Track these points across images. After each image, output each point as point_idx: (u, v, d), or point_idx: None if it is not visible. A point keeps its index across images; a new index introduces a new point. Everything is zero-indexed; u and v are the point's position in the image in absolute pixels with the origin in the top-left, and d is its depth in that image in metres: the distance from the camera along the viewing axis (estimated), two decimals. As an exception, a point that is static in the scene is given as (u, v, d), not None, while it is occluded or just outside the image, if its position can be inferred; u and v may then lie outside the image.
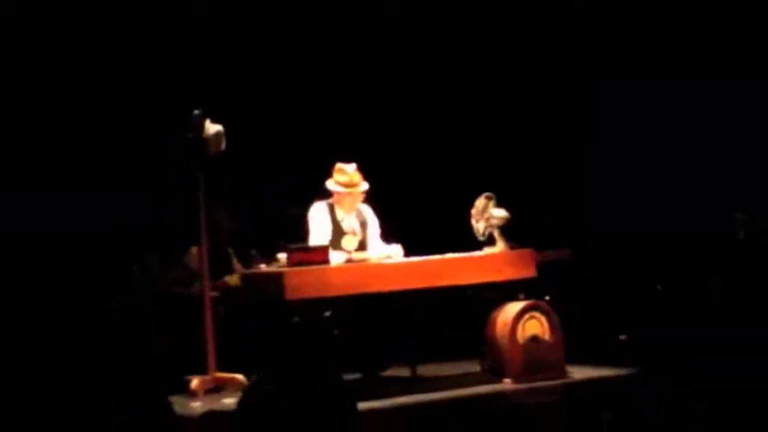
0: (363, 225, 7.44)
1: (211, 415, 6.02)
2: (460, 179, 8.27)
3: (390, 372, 7.47)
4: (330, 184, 7.34)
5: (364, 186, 7.36)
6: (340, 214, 7.37)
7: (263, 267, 7.12)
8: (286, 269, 6.81)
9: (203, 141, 7.29)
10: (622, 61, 8.55)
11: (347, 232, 7.30)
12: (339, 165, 7.35)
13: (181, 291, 7.66)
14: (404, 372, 7.41)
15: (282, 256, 7.02)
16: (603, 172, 8.69)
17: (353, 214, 7.42)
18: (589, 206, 8.62)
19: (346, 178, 7.33)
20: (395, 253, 7.27)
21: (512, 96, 8.97)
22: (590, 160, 8.78)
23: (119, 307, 7.62)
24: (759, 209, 8.03)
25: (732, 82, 8.15)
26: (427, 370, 7.49)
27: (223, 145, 7.35)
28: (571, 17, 8.67)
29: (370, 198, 7.45)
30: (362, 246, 7.35)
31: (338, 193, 7.33)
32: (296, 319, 6.65)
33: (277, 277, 6.74)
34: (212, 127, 7.33)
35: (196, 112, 7.26)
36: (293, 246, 6.98)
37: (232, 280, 7.65)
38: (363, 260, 7.18)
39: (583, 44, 8.72)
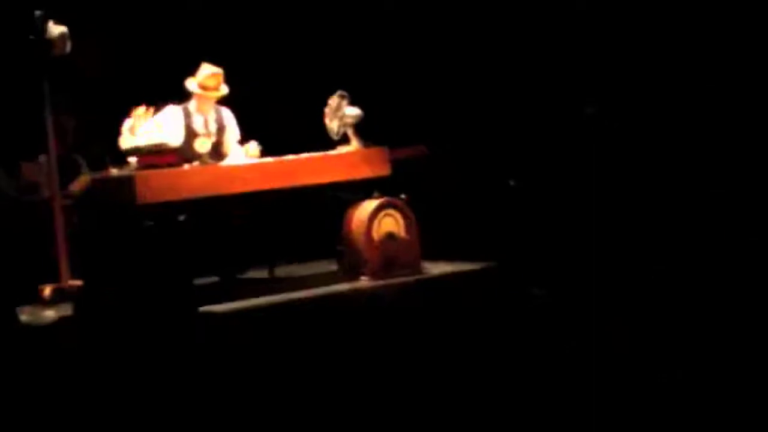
0: (221, 129, 7.32)
1: (62, 321, 5.94)
2: (314, 78, 8.18)
3: (248, 274, 7.45)
4: (189, 84, 7.20)
5: (224, 90, 7.25)
6: (195, 116, 7.24)
7: (114, 171, 6.98)
8: (137, 172, 6.70)
9: (47, 43, 7.07)
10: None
11: (200, 134, 7.19)
12: (203, 65, 7.21)
13: (29, 198, 7.48)
14: (262, 273, 7.42)
15: (133, 160, 6.89)
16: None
17: (211, 117, 7.30)
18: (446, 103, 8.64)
19: (207, 80, 7.19)
20: (251, 152, 7.21)
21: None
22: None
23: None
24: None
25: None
26: (284, 270, 7.51)
27: (68, 47, 7.14)
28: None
29: (229, 100, 7.33)
30: (216, 148, 7.25)
31: (196, 94, 7.20)
32: (148, 222, 6.56)
33: (128, 181, 6.62)
34: (56, 29, 7.11)
35: (38, 13, 7.01)
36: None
37: (78, 185, 7.48)
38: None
39: None
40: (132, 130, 6.87)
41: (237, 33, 8.60)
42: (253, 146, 7.22)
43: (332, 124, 7.32)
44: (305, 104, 7.58)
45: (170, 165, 6.78)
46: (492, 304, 6.79)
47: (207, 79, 7.17)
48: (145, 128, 6.91)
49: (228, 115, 7.38)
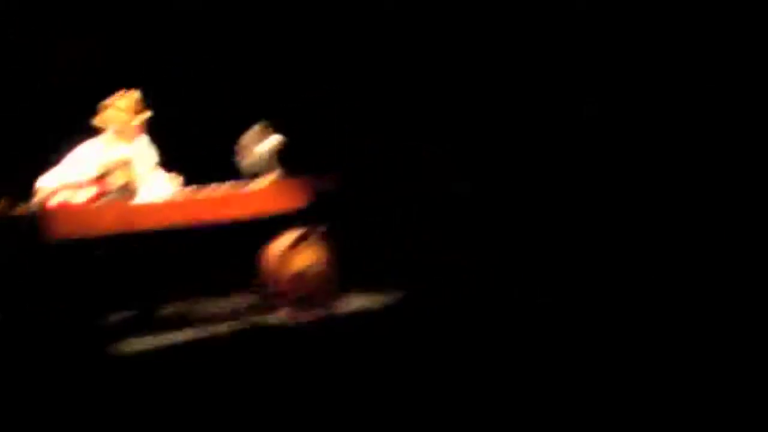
0: (139, 158, 7.17)
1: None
2: (238, 107, 8.11)
3: (164, 308, 7.30)
4: (109, 114, 7.03)
5: (147, 114, 7.11)
6: (112, 147, 7.09)
7: (22, 207, 6.82)
8: (46, 209, 6.58)
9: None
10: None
11: (119, 166, 7.06)
12: (120, 93, 7.06)
13: None
14: (180, 308, 7.32)
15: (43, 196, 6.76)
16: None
17: (129, 146, 7.14)
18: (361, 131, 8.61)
19: (129, 105, 7.05)
20: (173, 183, 7.13)
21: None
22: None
23: None
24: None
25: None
26: (202, 304, 7.43)
27: None
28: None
29: (149, 128, 7.22)
30: (134, 179, 7.11)
31: (121, 122, 7.03)
32: (58, 259, 6.44)
33: (35, 218, 6.47)
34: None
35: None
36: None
37: None
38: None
39: None
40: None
41: (155, 58, 8.50)
42: (173, 178, 7.13)
43: (252, 154, 7.23)
44: (226, 133, 7.47)
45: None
46: (409, 335, 6.76)
47: (131, 103, 7.04)
48: (60, 169, 6.80)
49: (144, 143, 7.24)
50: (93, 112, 7.08)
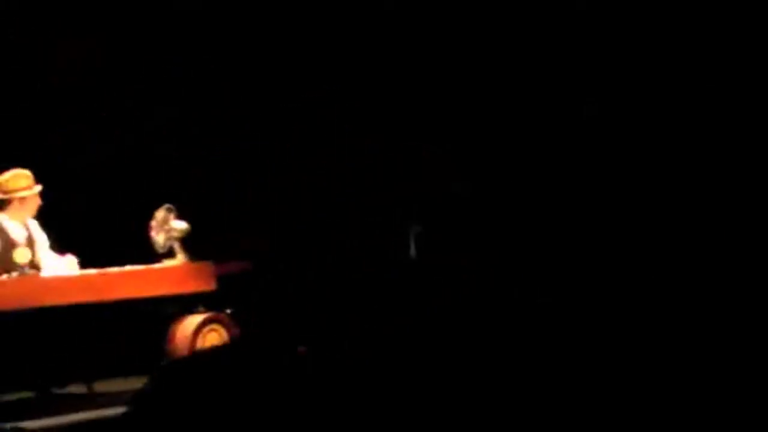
0: (34, 238, 7.08)
1: None
2: (140, 189, 8.08)
3: (66, 389, 7.21)
4: (11, 190, 6.97)
5: (38, 187, 7.02)
6: (12, 225, 6.99)
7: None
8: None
9: None
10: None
11: (20, 244, 6.97)
12: (15, 171, 6.99)
13: None
14: (81, 389, 7.21)
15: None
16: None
17: (23, 226, 7.05)
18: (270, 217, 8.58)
19: (27, 181, 6.98)
20: (69, 265, 7.05)
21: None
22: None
23: None
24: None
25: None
26: (104, 385, 7.28)
27: None
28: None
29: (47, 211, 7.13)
30: (32, 259, 7.01)
31: (25, 197, 6.96)
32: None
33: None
34: None
35: None
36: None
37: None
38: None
39: None
40: None
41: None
42: (71, 260, 7.08)
43: (158, 237, 7.19)
44: (131, 216, 7.45)
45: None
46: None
47: (28, 178, 6.96)
48: None
49: (35, 225, 7.12)
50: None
